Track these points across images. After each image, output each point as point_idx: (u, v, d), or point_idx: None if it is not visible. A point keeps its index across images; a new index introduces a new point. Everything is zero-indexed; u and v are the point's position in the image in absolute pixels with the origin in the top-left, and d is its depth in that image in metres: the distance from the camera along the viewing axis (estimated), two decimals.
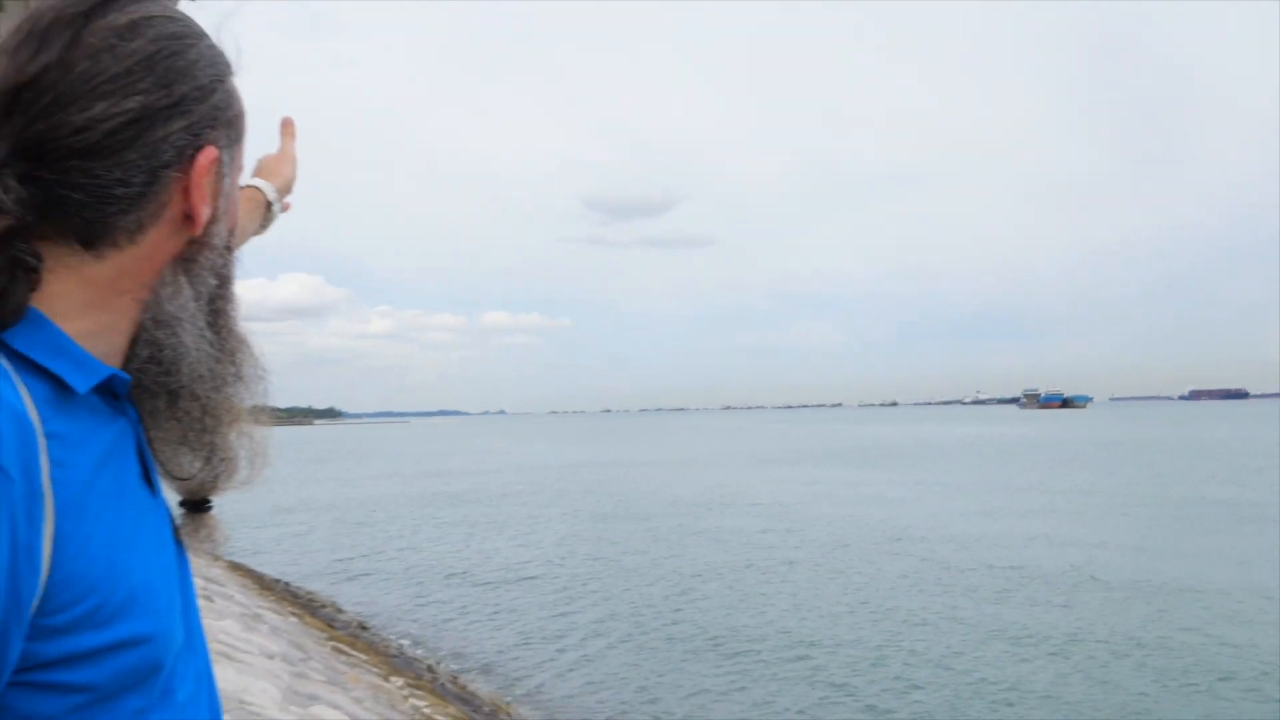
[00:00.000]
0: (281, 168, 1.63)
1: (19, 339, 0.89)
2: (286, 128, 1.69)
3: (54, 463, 0.87)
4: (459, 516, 28.22)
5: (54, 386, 0.90)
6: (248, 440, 1.12)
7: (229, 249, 1.08)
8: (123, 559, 0.93)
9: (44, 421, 0.87)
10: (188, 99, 0.96)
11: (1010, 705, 9.86)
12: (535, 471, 48.54)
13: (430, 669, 11.21)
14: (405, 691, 9.24)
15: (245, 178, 1.32)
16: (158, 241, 0.97)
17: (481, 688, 10.71)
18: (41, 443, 0.85)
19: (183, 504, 1.10)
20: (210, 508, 1.13)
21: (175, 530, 1.08)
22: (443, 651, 12.35)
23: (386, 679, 9.68)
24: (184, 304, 1.01)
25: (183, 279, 1.01)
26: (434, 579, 17.60)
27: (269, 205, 1.58)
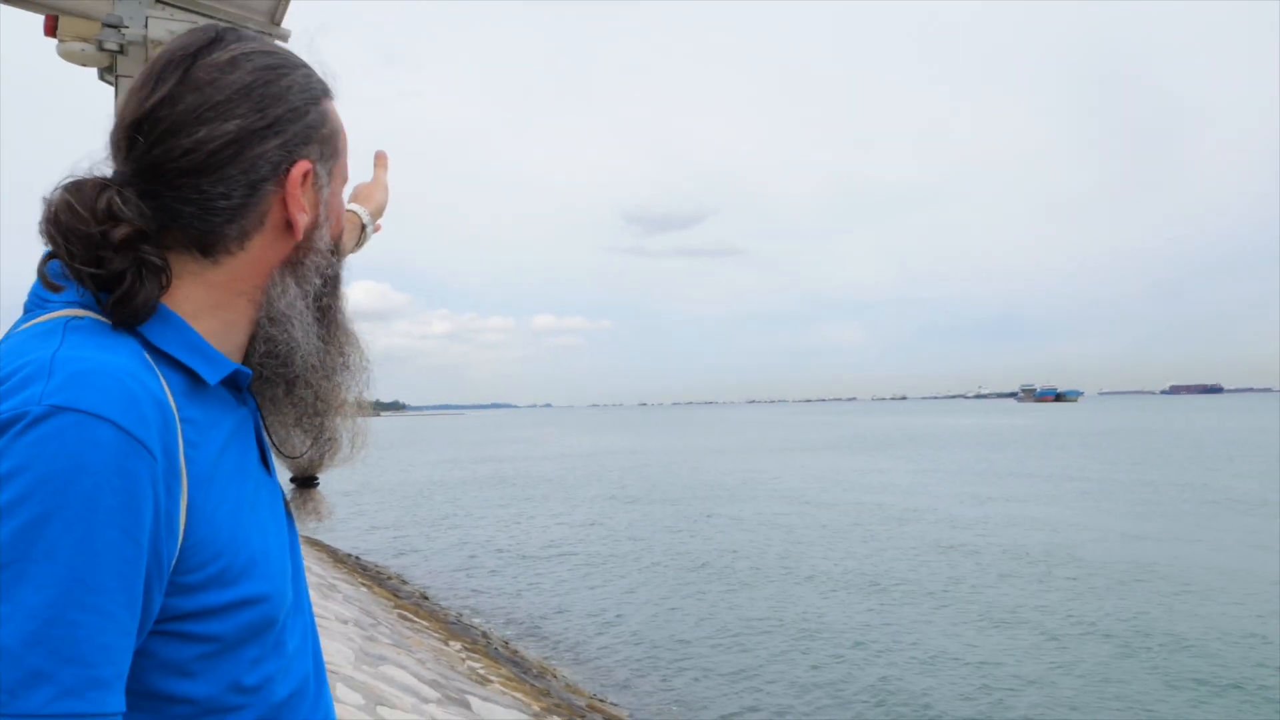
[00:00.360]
0: (375, 194, 1.67)
1: (158, 336, 0.95)
2: (380, 160, 1.73)
3: (188, 443, 0.93)
4: (509, 497, 28.32)
5: (188, 378, 0.97)
6: (350, 423, 1.17)
7: (334, 253, 1.11)
8: (244, 528, 0.98)
9: (180, 409, 0.93)
10: (281, 120, 1.00)
11: (993, 684, 9.78)
12: (578, 458, 48.59)
13: (485, 634, 11.27)
14: (463, 654, 9.31)
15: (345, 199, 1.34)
16: (264, 247, 1.02)
17: (530, 652, 10.76)
18: (178, 427, 0.91)
19: (294, 480, 1.16)
20: (317, 484, 1.18)
21: (286, 505, 1.14)
22: (495, 619, 12.41)
23: (446, 643, 9.75)
24: (292, 302, 1.05)
25: (290, 280, 1.05)
26: (487, 554, 17.69)
27: (363, 227, 1.63)
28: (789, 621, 11.93)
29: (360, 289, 1.26)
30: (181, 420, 0.92)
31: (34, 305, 0.99)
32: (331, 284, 1.13)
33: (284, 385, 1.10)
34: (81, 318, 0.94)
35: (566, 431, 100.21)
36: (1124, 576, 14.04)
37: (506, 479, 35.35)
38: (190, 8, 2.74)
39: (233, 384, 1.04)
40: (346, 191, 1.20)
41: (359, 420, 1.20)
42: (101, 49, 2.50)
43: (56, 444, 0.80)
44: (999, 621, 11.64)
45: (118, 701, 0.82)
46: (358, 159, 1.22)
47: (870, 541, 17.84)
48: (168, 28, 2.47)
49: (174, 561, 0.89)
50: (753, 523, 20.86)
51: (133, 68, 2.55)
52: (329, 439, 1.16)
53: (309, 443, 1.15)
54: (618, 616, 12.44)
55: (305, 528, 1.18)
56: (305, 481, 1.17)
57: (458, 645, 9.80)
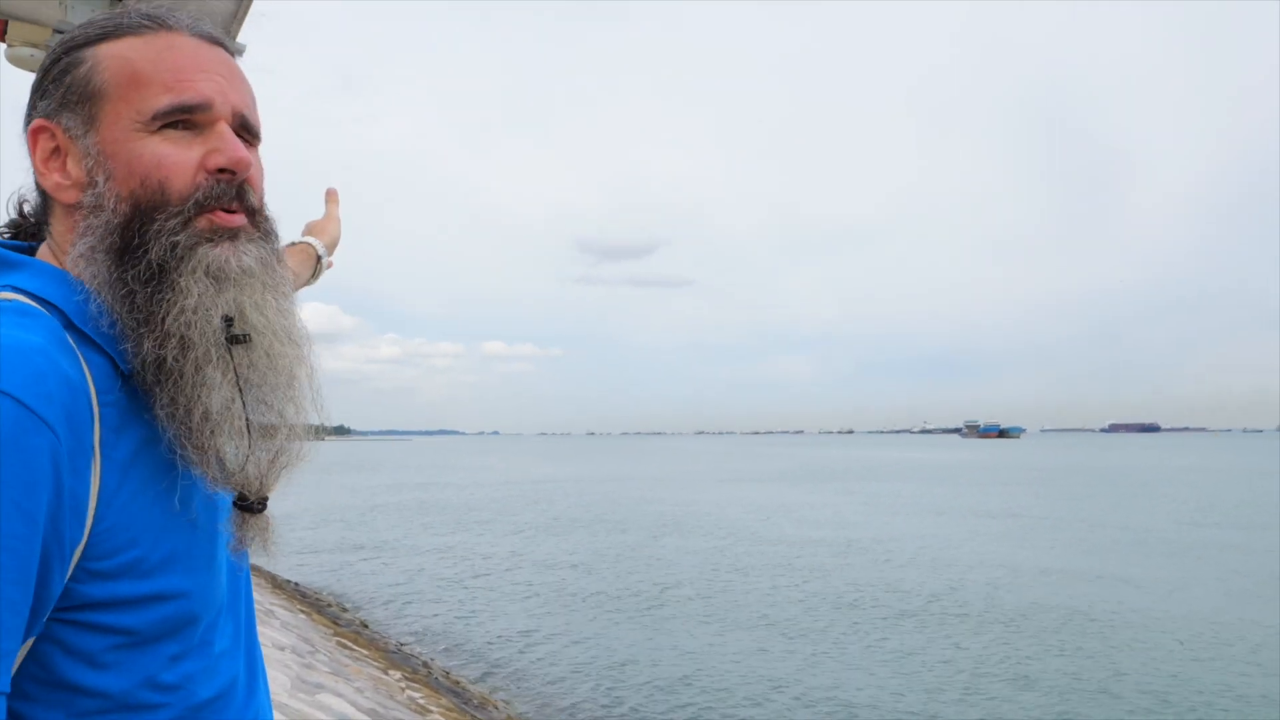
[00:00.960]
0: (329, 228, 1.67)
1: (80, 318, 0.95)
2: (331, 196, 1.72)
3: (108, 427, 0.90)
4: (452, 524, 28.00)
5: (111, 364, 0.95)
6: (243, 440, 1.01)
7: (153, 207, 1.01)
8: (165, 522, 0.94)
9: (101, 392, 0.91)
10: (36, 87, 1.04)
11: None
12: (524, 485, 48.26)
13: (425, 664, 11.10)
14: (403, 684, 9.15)
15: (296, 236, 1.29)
16: (56, 224, 1.04)
17: (471, 682, 10.62)
18: (96, 409, 0.89)
19: (235, 504, 1.03)
20: (256, 508, 1.03)
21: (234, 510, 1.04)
22: (436, 647, 12.24)
23: (386, 672, 9.59)
24: (101, 283, 1.01)
25: (82, 255, 1.01)
26: (429, 582, 17.45)
27: (318, 259, 1.61)
28: (726, 651, 11.91)
29: (309, 310, 1.18)
30: (102, 404, 0.90)
31: None
32: (135, 245, 0.96)
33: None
34: (9, 300, 0.93)
35: (512, 459, 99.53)
36: (1065, 618, 14.23)
37: (449, 506, 34.98)
38: None
39: None
40: (296, 230, 1.14)
41: (270, 439, 1.04)
42: None
43: None
44: (924, 656, 11.73)
45: (2, 680, 0.79)
46: (312, 185, 1.14)
47: (810, 574, 17.90)
48: None
49: (81, 545, 0.86)
50: (696, 553, 20.85)
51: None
52: (212, 456, 0.98)
53: (199, 458, 0.97)
54: (559, 646, 12.33)
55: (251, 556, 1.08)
56: (243, 505, 1.03)
57: (398, 674, 9.64)
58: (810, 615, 14.11)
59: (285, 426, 1.03)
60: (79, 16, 2.47)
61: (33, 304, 0.94)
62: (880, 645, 12.25)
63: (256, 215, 1.05)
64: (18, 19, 2.63)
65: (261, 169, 1.09)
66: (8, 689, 0.81)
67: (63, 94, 1.00)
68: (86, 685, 0.89)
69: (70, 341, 0.92)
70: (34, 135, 1.02)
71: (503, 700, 9.93)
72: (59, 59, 1.01)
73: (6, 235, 1.09)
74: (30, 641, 0.86)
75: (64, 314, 0.95)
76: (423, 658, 11.53)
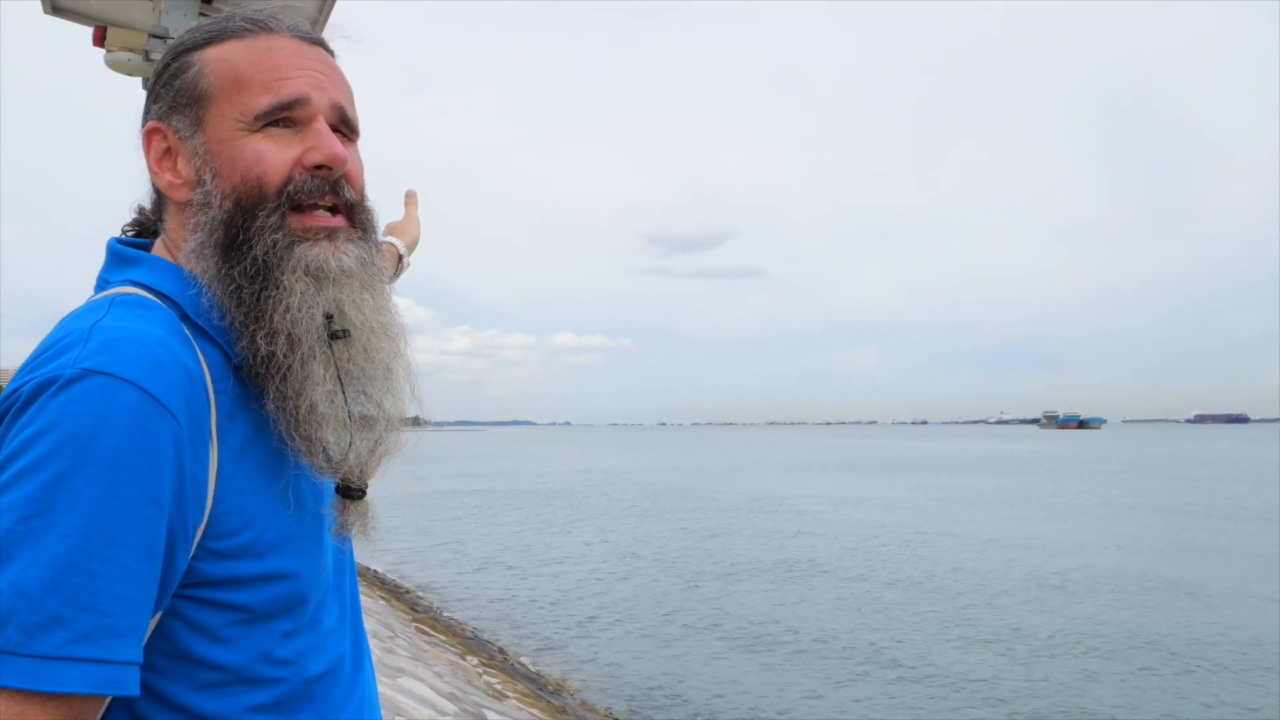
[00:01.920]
0: (409, 229, 1.73)
1: (195, 311, 1.02)
2: (410, 198, 1.78)
3: (224, 415, 0.97)
4: (526, 514, 28.28)
5: (224, 354, 1.01)
6: (348, 431, 1.06)
7: (252, 203, 1.07)
8: (276, 506, 1.01)
9: (216, 381, 0.98)
10: (151, 91, 1.11)
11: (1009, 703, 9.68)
12: (594, 475, 48.48)
13: (501, 650, 11.25)
14: (480, 669, 9.30)
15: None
16: (170, 221, 1.10)
17: (546, 668, 10.74)
18: (212, 398, 0.96)
19: (338, 490, 1.08)
20: (358, 495, 1.08)
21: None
22: (512, 635, 12.39)
23: (463, 658, 9.75)
24: (211, 277, 1.06)
25: (193, 251, 1.07)
26: (504, 570, 17.67)
27: (400, 258, 1.67)
28: (802, 649, 11.84)
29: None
30: (217, 392, 0.97)
31: (98, 286, 1.06)
32: (240, 241, 1.01)
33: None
34: (130, 294, 1.00)
35: (584, 448, 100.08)
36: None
37: (525, 494, 35.34)
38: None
39: None
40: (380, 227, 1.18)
41: (369, 430, 1.08)
42: (148, 59, 2.56)
43: (83, 404, 0.85)
44: (1007, 640, 11.52)
45: (132, 651, 0.85)
46: (387, 184, 1.17)
47: (884, 568, 17.70)
48: None
49: (202, 526, 0.93)
50: (768, 545, 20.72)
51: None
52: (319, 447, 1.03)
53: (308, 448, 1.03)
54: (629, 635, 12.39)
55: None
56: (345, 491, 1.08)
57: (475, 660, 9.80)
58: (882, 610, 13.96)
59: (384, 418, 1.08)
60: (173, 21, 2.56)
61: (151, 297, 1.01)
62: (971, 644, 12.07)
63: (355, 209, 1.09)
64: (115, 24, 2.75)
65: (360, 163, 1.13)
66: (140, 659, 0.87)
67: (173, 97, 1.06)
68: (209, 659, 0.96)
69: (186, 333, 0.98)
70: (148, 137, 1.08)
71: (576, 687, 10.03)
72: (169, 64, 1.08)
73: (130, 234, 1.16)
74: (158, 616, 0.92)
75: (180, 307, 1.01)
76: (498, 644, 11.69)
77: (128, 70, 2.64)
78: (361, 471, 1.07)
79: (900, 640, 12.01)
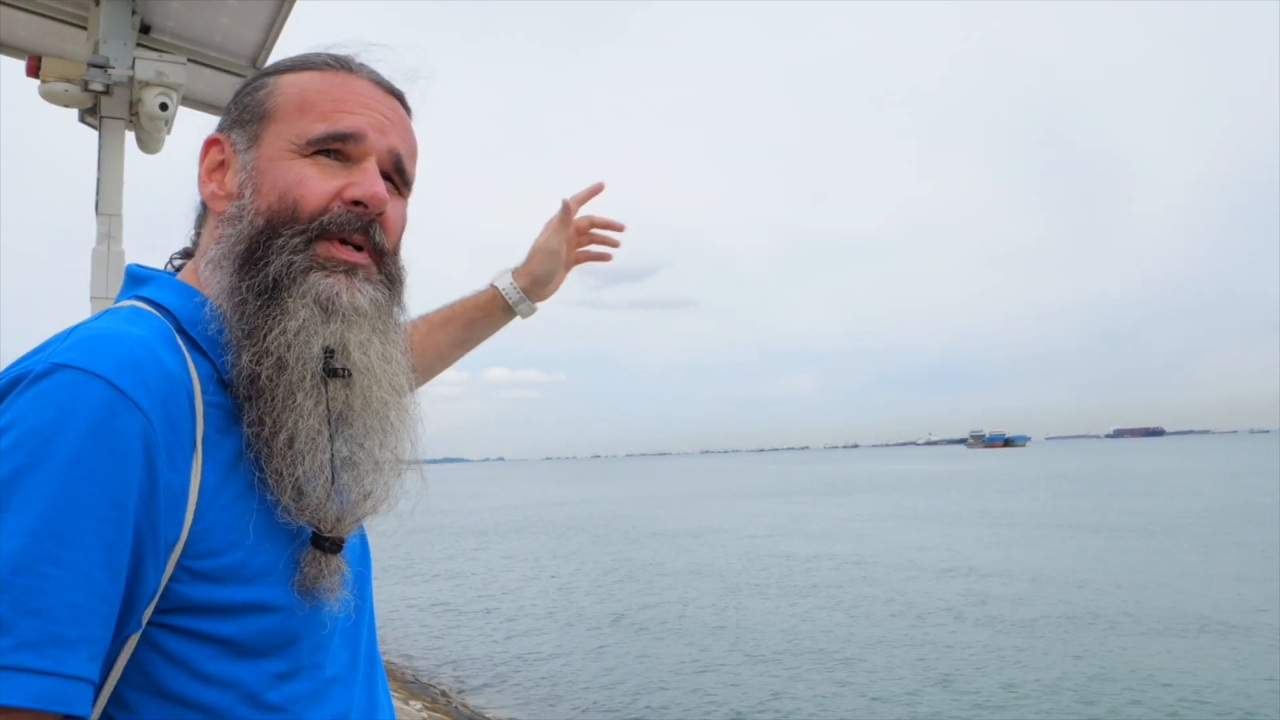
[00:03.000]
0: (539, 258, 1.74)
1: (190, 322, 0.97)
2: (565, 214, 1.76)
3: (215, 428, 0.92)
4: (460, 549, 27.88)
5: (215, 371, 0.96)
6: (335, 468, 0.99)
7: (281, 221, 1.06)
8: (270, 531, 0.93)
9: (208, 393, 0.93)
10: (225, 112, 1.11)
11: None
12: (529, 509, 48.08)
13: (444, 693, 11.03)
14: (424, 714, 9.09)
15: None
16: (207, 232, 1.08)
17: (489, 709, 10.54)
18: (199, 407, 0.90)
19: (315, 542, 0.97)
20: (335, 551, 0.99)
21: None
22: (453, 676, 12.16)
23: (406, 703, 9.53)
24: (222, 288, 1.05)
25: (212, 263, 1.06)
26: (441, 609, 17.37)
27: (505, 301, 1.71)
28: (744, 668, 11.83)
29: None
30: (207, 404, 0.91)
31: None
32: (259, 257, 0.97)
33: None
34: (129, 306, 0.97)
35: (517, 484, 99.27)
36: (1080, 619, 14.16)
37: (456, 531, 34.86)
38: (173, 49, 2.73)
39: None
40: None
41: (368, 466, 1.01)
42: (86, 89, 2.46)
43: (49, 399, 0.80)
44: (931, 655, 11.65)
45: (82, 666, 0.77)
46: None
47: (815, 587, 17.81)
48: (156, 69, 2.44)
49: (180, 541, 0.85)
50: (706, 571, 20.72)
51: (118, 108, 2.52)
52: (289, 484, 0.94)
53: (276, 482, 0.94)
54: (573, 670, 12.24)
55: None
56: (317, 541, 0.97)
57: (418, 704, 9.57)
58: (818, 624, 14.02)
59: (373, 471, 1.01)
60: (112, 50, 2.48)
61: (149, 309, 0.97)
62: (898, 656, 12.16)
63: (384, 258, 1.06)
64: (50, 55, 2.65)
65: (405, 219, 1.10)
66: (94, 678, 0.79)
67: (239, 112, 1.06)
68: (189, 697, 0.87)
69: (179, 342, 0.95)
70: (206, 146, 1.07)
71: None
72: (249, 83, 1.08)
73: (177, 263, 1.12)
74: (132, 644, 0.85)
75: (175, 318, 0.97)
76: (440, 687, 11.45)
77: (63, 101, 2.54)
78: (338, 522, 0.98)
79: (832, 653, 12.06)
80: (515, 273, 1.71)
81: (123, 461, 0.81)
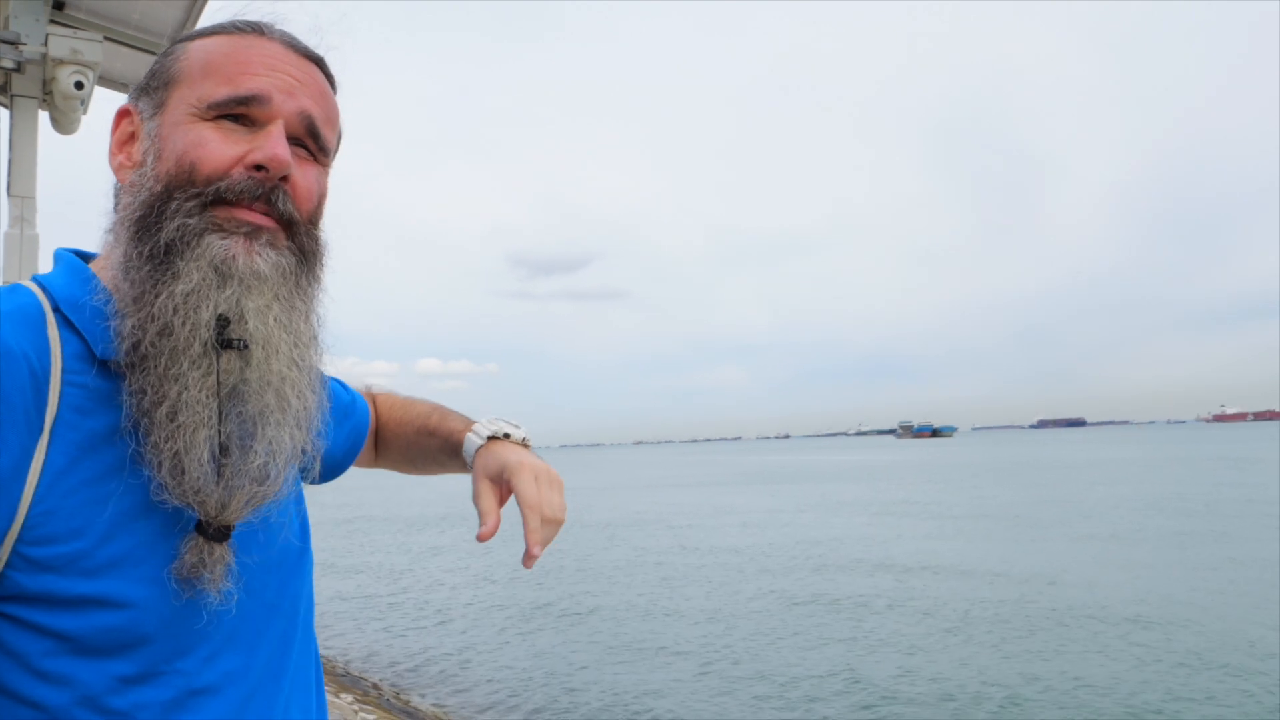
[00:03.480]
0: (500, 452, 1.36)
1: (64, 297, 0.93)
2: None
3: (70, 407, 0.86)
4: (388, 541, 27.57)
5: (86, 348, 0.91)
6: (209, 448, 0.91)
7: (179, 186, 1.00)
8: (124, 521, 0.87)
9: (70, 371, 0.88)
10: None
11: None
12: (461, 499, 47.60)
13: (375, 686, 10.92)
14: (355, 707, 9.00)
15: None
16: (120, 207, 1.05)
17: (420, 702, 10.47)
18: (55, 386, 0.85)
19: (198, 528, 0.91)
20: (222, 539, 0.92)
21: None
22: (383, 668, 12.04)
23: (337, 695, 9.41)
24: (118, 259, 1.01)
25: (113, 229, 1.05)
26: (371, 601, 17.17)
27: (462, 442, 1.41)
28: (670, 646, 11.92)
29: None
30: (67, 383, 0.87)
31: None
32: (152, 221, 0.92)
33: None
34: (10, 285, 0.93)
35: (448, 478, 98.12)
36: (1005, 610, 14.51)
37: (383, 522, 34.44)
38: (89, 27, 2.64)
39: None
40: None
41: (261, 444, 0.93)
42: None
43: None
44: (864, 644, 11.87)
45: None
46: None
47: (748, 577, 18.00)
48: (70, 46, 2.35)
49: (14, 525, 0.81)
50: (639, 561, 20.79)
51: (30, 86, 2.42)
52: (165, 460, 0.88)
53: (153, 456, 0.88)
54: (505, 660, 12.21)
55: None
56: (201, 528, 0.91)
57: (349, 697, 9.47)
58: (751, 617, 14.17)
59: (265, 453, 0.93)
60: (24, 26, 2.37)
61: (31, 287, 0.93)
62: (822, 645, 12.35)
63: (293, 227, 0.99)
64: None
65: (322, 188, 1.04)
66: None
67: (148, 79, 1.01)
68: (22, 693, 0.83)
69: (48, 319, 0.89)
70: (116, 119, 1.02)
71: (453, 717, 9.81)
72: (164, 52, 1.03)
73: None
74: None
75: (53, 296, 0.92)
76: (371, 679, 11.33)
77: None
78: (223, 508, 0.90)
79: (764, 644, 12.21)
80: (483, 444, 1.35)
81: None
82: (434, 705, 10.27)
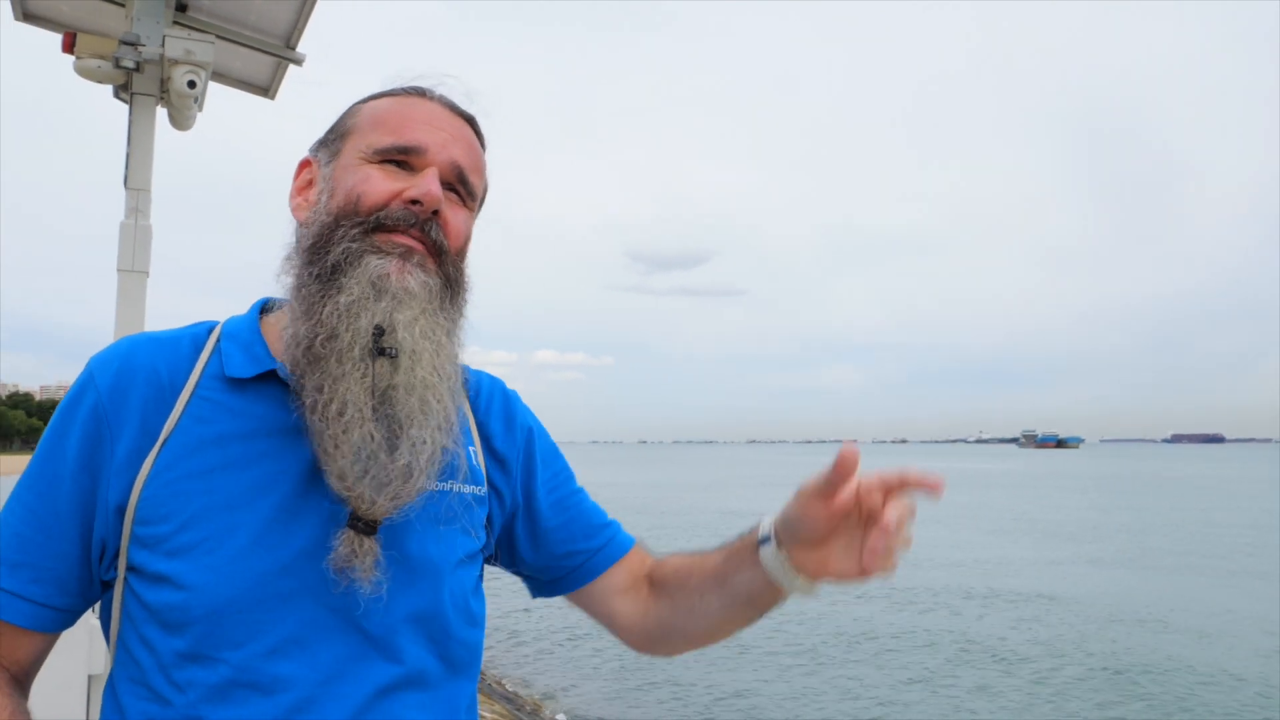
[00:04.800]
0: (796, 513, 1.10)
1: (230, 326, 1.13)
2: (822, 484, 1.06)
3: (191, 415, 1.03)
4: None
5: (222, 370, 1.08)
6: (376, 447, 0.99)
7: (344, 217, 1.14)
8: (208, 512, 0.98)
9: (203, 386, 1.05)
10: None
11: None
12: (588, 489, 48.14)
13: (480, 672, 11.14)
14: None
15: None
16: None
17: (522, 689, 10.64)
18: (185, 396, 1.04)
19: (351, 521, 0.99)
20: (370, 533, 0.99)
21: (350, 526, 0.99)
22: (486, 656, 12.27)
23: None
24: (289, 288, 1.15)
25: (287, 264, 1.18)
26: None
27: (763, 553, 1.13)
28: (775, 664, 11.80)
29: None
30: (197, 395, 1.04)
31: None
32: (322, 247, 1.05)
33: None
34: (215, 321, 1.14)
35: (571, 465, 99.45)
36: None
37: None
38: (207, 28, 2.77)
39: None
40: None
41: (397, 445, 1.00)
42: (118, 66, 2.52)
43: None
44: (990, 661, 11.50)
45: (13, 581, 0.99)
46: None
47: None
48: (184, 47, 2.48)
49: (130, 505, 0.98)
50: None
51: (149, 85, 2.57)
52: (346, 452, 0.97)
53: (334, 450, 0.98)
54: (603, 652, 12.28)
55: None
56: (352, 521, 0.99)
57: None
58: (848, 631, 13.93)
59: (410, 453, 1.00)
60: (144, 28, 2.53)
61: (218, 320, 1.15)
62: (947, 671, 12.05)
63: (442, 255, 1.10)
64: (85, 31, 2.71)
65: (468, 230, 1.17)
66: (25, 593, 1.00)
67: (327, 134, 1.17)
68: (132, 651, 0.99)
69: (209, 346, 1.09)
70: (298, 168, 1.19)
71: (552, 707, 9.94)
72: (344, 112, 1.19)
73: None
74: (118, 591, 1.01)
75: (223, 328, 1.12)
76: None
77: (97, 77, 2.60)
78: (373, 503, 0.98)
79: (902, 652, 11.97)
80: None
81: (72, 422, 1.02)
82: (533, 694, 10.41)
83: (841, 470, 1.02)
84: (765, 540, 1.12)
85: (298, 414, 1.01)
